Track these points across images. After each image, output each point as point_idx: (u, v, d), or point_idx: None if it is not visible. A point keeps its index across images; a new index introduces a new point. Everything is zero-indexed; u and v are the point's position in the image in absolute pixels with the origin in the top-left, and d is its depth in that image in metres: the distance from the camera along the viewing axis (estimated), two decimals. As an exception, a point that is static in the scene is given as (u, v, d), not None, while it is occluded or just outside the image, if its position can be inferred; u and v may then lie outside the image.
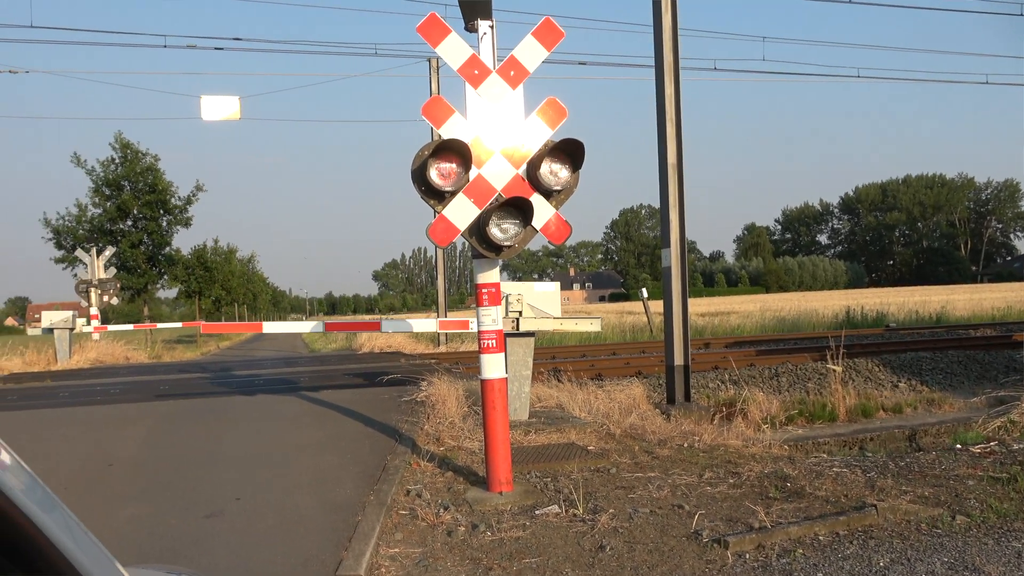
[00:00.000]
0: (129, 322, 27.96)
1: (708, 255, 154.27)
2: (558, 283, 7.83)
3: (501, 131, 4.81)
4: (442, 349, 18.44)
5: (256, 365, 15.65)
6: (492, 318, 4.94)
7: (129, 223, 28.92)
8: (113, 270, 23.57)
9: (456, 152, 4.64)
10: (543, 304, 7.33)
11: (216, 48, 19.29)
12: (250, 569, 3.75)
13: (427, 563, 3.87)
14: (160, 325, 25.34)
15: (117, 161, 28.59)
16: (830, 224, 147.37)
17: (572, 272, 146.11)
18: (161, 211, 29.20)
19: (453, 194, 4.71)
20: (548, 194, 4.84)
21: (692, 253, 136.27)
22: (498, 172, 4.80)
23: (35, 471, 1.06)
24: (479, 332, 4.97)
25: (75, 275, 23.12)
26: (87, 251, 22.45)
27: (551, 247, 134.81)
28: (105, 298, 21.48)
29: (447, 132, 4.73)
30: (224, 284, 48.20)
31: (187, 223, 30.06)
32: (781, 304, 38.66)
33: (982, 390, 10.09)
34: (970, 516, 4.32)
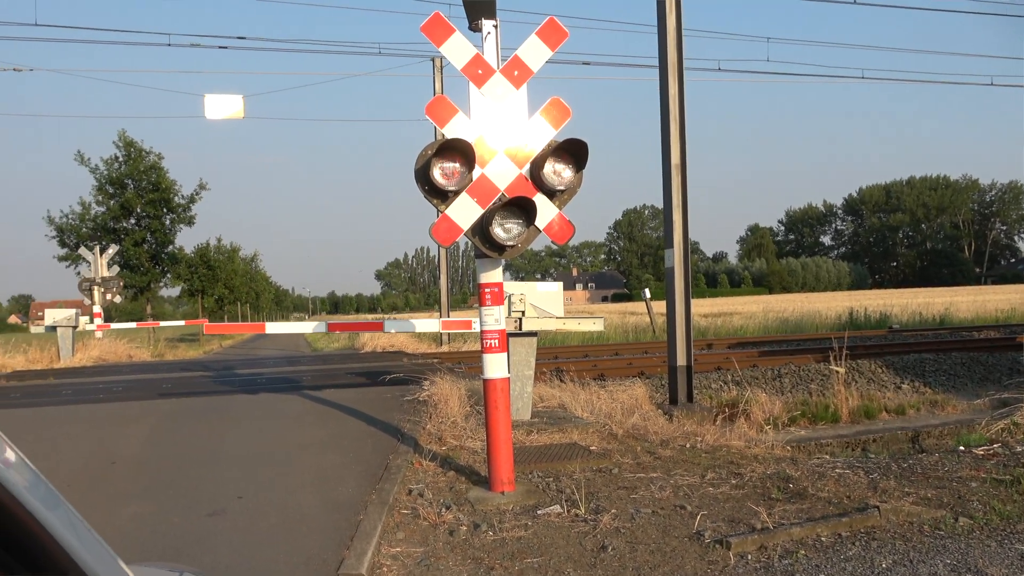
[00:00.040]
0: (132, 320, 28.01)
1: (711, 256, 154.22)
2: (561, 283, 7.83)
3: (505, 131, 4.80)
4: (444, 348, 18.45)
5: (259, 364, 15.67)
6: (495, 318, 4.94)
7: (132, 221, 28.95)
8: (116, 268, 23.63)
9: (460, 152, 4.64)
10: (546, 304, 7.32)
11: (220, 47, 19.28)
12: (252, 567, 3.76)
13: (429, 562, 3.87)
14: (163, 323, 25.39)
15: (121, 159, 28.63)
16: (833, 225, 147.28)
17: (575, 272, 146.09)
18: (164, 209, 29.23)
19: (456, 193, 4.71)
20: (551, 194, 4.84)
21: (695, 254, 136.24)
22: (501, 172, 4.80)
23: (38, 469, 1.07)
24: (482, 332, 4.97)
25: (78, 273, 23.13)
26: (90, 249, 22.50)
27: (554, 247, 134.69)
28: (108, 296, 21.53)
29: (451, 131, 4.73)
30: (227, 283, 48.31)
31: (190, 222, 30.09)
32: (784, 305, 38.64)
33: (985, 392, 10.07)
34: (973, 518, 4.31)
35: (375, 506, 4.61)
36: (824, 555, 3.83)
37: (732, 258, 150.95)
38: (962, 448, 6.16)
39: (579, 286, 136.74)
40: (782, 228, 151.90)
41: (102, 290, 21.30)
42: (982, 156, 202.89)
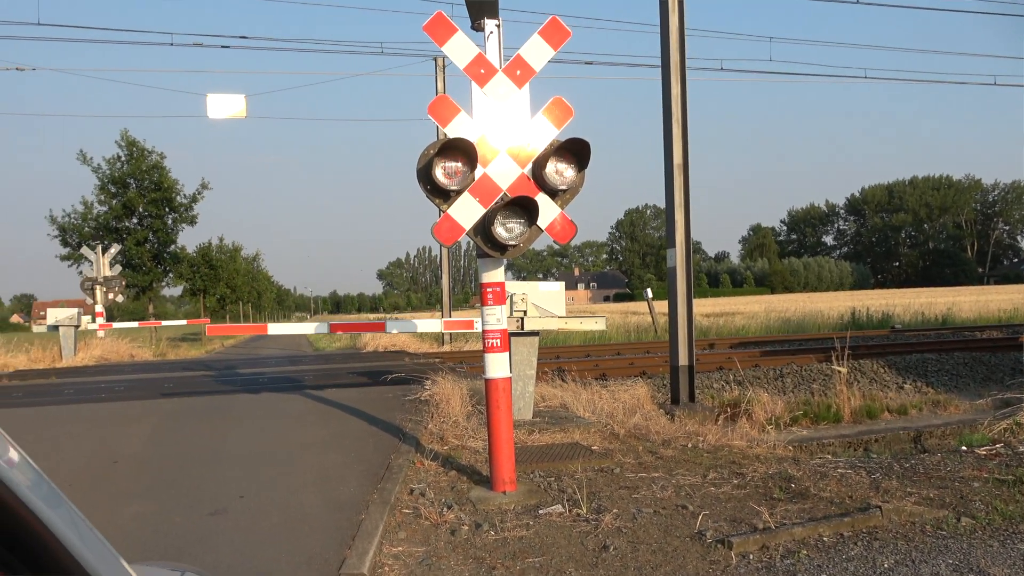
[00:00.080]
0: (134, 320, 28.06)
1: (713, 255, 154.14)
2: (563, 283, 7.82)
3: (507, 130, 4.80)
4: (446, 348, 18.45)
5: (260, 363, 15.68)
6: (496, 317, 4.94)
7: (135, 221, 28.96)
8: (118, 268, 23.66)
9: (462, 151, 4.64)
10: (548, 304, 7.32)
11: (222, 46, 19.39)
12: (254, 567, 3.76)
13: (430, 562, 3.87)
14: (165, 323, 25.43)
15: (123, 159, 28.64)
16: (836, 225, 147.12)
17: (577, 272, 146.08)
18: (166, 209, 29.23)
19: (458, 193, 4.71)
20: (553, 193, 4.84)
21: (697, 254, 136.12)
22: (504, 171, 4.80)
23: (40, 468, 1.07)
24: (483, 331, 4.97)
25: (80, 272, 23.14)
26: (92, 248, 22.53)
27: (556, 247, 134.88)
28: (110, 295, 21.55)
29: (453, 131, 4.72)
30: (229, 282, 48.34)
31: (192, 221, 30.10)
32: (786, 305, 38.63)
33: (988, 392, 10.05)
34: (975, 518, 4.30)
35: (377, 506, 4.61)
36: (826, 555, 3.83)
37: (734, 258, 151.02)
38: (964, 448, 6.15)
39: (581, 286, 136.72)
40: (784, 228, 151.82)
41: (104, 289, 21.33)
42: (985, 156, 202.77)
